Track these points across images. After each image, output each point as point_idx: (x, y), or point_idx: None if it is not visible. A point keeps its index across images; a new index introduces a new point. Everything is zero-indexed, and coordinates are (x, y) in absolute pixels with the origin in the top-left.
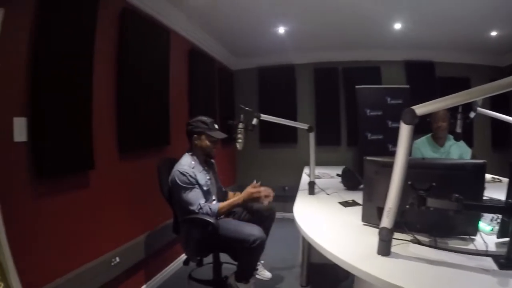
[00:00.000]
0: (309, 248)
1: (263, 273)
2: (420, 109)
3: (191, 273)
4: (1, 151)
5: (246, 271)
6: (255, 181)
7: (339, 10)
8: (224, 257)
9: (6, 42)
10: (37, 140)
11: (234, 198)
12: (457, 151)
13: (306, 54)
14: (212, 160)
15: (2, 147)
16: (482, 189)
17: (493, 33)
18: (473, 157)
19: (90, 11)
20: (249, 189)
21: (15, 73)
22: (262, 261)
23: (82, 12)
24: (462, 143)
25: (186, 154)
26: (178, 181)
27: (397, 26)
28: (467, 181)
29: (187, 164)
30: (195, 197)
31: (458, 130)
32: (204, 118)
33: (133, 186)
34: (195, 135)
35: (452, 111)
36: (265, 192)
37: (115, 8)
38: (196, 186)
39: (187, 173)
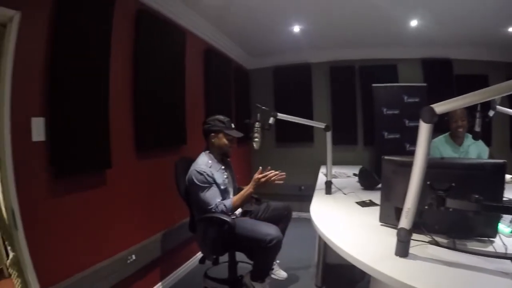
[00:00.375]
0: (325, 248)
1: (279, 273)
2: (440, 107)
3: (207, 271)
4: (20, 151)
5: (262, 271)
6: (260, 168)
7: (354, 7)
8: (240, 256)
9: (23, 44)
10: (54, 140)
11: (245, 189)
12: (475, 150)
13: (321, 53)
14: (228, 159)
15: (20, 146)
16: (502, 189)
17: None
18: (490, 156)
19: (106, 13)
20: (256, 176)
21: (32, 74)
22: (278, 261)
23: (99, 14)
24: (480, 142)
25: (203, 153)
26: (195, 180)
27: (414, 23)
28: (486, 181)
29: (204, 163)
30: (212, 196)
31: (477, 129)
32: (221, 117)
33: (150, 185)
34: (212, 134)
35: (471, 109)
36: (272, 174)
37: (130, 9)
38: (214, 185)
39: (204, 172)
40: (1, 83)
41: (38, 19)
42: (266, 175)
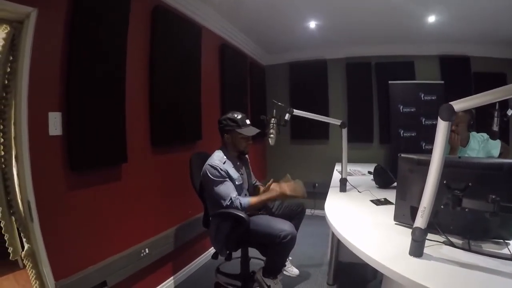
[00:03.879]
0: (338, 246)
1: (291, 270)
2: (458, 105)
3: (219, 266)
4: (37, 145)
5: (274, 267)
6: (288, 175)
7: (371, 3)
8: (252, 252)
9: (40, 40)
10: (71, 134)
11: (267, 194)
12: (485, 149)
13: (338, 49)
14: (246, 156)
15: (37, 140)
16: None
17: None
18: (504, 150)
19: (122, 9)
20: (286, 191)
21: (49, 69)
22: (290, 258)
23: (115, 10)
24: (490, 139)
25: (219, 149)
26: (209, 174)
27: (431, 19)
28: (504, 181)
29: (218, 158)
30: (226, 191)
31: (495, 128)
32: (233, 115)
33: (164, 179)
34: (226, 134)
35: (490, 108)
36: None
37: (147, 5)
38: (227, 179)
39: (217, 166)
40: (18, 78)
41: (55, 16)
42: (295, 189)
